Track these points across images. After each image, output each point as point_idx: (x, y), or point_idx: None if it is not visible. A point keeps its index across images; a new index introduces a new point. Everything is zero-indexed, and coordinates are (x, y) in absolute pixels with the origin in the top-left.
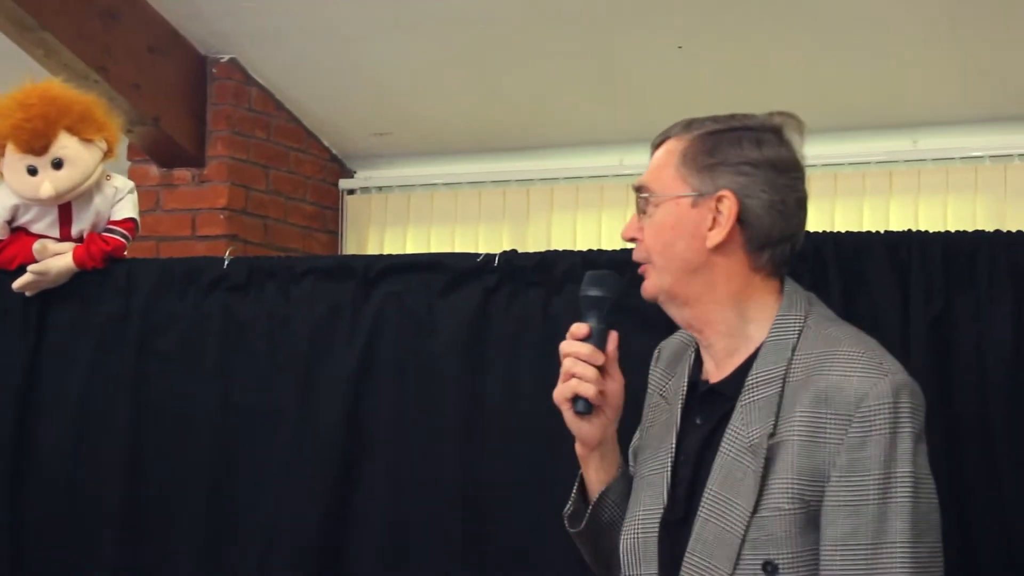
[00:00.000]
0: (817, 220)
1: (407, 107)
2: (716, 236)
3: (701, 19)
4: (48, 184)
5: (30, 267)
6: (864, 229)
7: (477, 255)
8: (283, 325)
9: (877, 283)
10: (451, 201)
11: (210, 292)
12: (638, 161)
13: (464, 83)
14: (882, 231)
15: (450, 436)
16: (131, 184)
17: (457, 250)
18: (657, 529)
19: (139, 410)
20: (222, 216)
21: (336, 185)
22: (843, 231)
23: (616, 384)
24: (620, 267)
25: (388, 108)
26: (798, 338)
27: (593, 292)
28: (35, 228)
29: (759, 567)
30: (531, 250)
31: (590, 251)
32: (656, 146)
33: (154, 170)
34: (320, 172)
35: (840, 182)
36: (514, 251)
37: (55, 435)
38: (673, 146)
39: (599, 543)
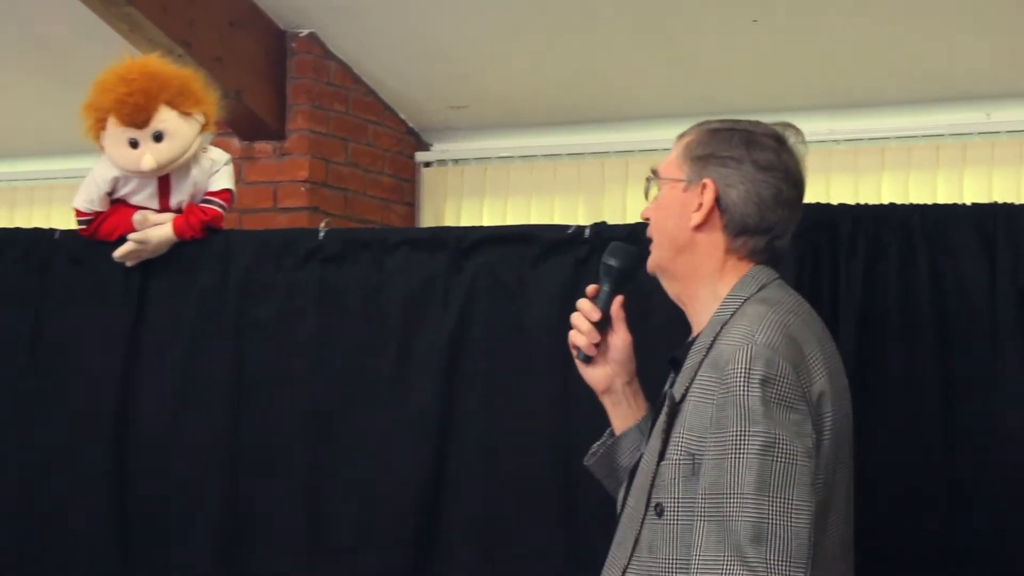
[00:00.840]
0: (892, 192)
1: (483, 80)
2: (697, 217)
3: None
4: (149, 156)
5: (130, 236)
6: (939, 202)
7: (568, 226)
8: (377, 295)
9: (963, 253)
10: (527, 173)
11: (306, 263)
12: None
13: (539, 56)
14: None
15: (542, 404)
16: (227, 156)
17: (533, 222)
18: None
19: (238, 378)
20: (303, 188)
21: (413, 158)
22: (929, 203)
23: (619, 339)
24: None
25: (464, 81)
26: (731, 315)
27: (608, 260)
28: (135, 200)
29: (653, 508)
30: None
31: None
32: (678, 140)
33: (236, 143)
34: (397, 145)
35: (914, 154)
36: (604, 223)
37: (157, 401)
38: (684, 139)
39: (617, 482)
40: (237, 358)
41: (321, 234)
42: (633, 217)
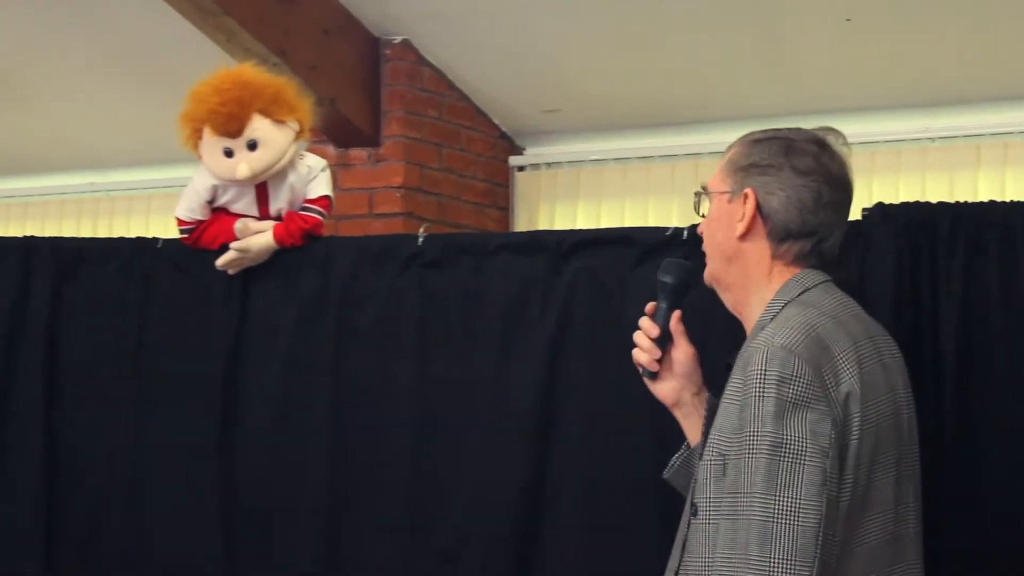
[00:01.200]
0: (988, 190)
1: (575, 84)
2: (741, 227)
3: None
4: (244, 165)
5: (232, 245)
6: None
7: (666, 228)
8: (477, 300)
9: None
10: (620, 176)
11: (406, 268)
12: None
13: (632, 59)
14: None
15: (643, 406)
16: (324, 163)
17: (626, 226)
18: None
19: (338, 384)
20: (398, 194)
21: (506, 162)
22: None
23: (681, 353)
24: None
25: (556, 85)
26: (771, 320)
27: (662, 277)
28: (234, 208)
29: (691, 508)
30: None
31: None
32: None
33: (331, 150)
34: (491, 150)
35: (1011, 151)
36: None
37: (260, 408)
38: (728, 152)
39: None
40: (338, 364)
41: (420, 240)
42: None
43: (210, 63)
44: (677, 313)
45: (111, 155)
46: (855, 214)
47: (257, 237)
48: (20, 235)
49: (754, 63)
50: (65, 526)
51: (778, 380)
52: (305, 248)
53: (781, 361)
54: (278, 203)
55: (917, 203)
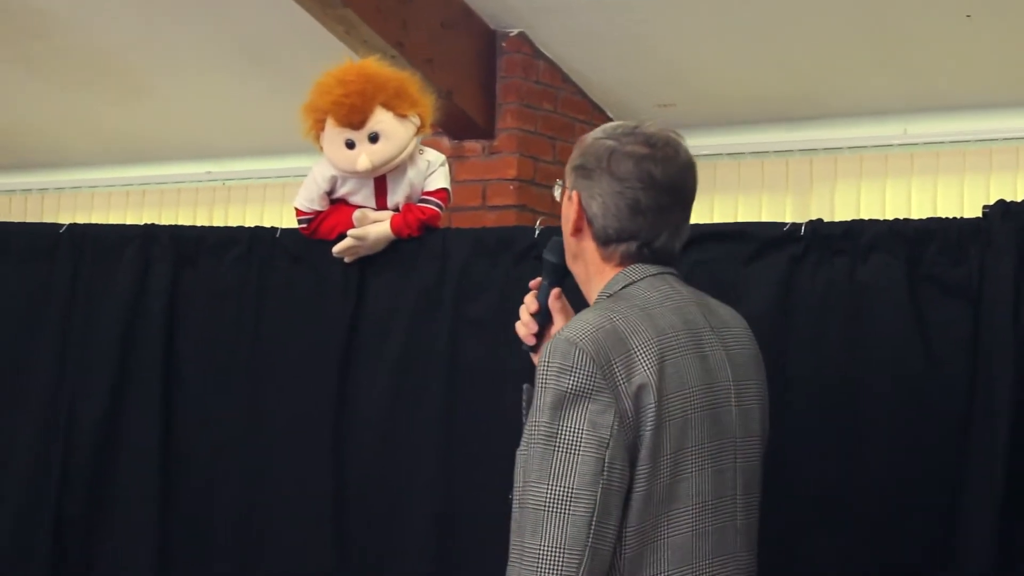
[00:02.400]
0: None
1: (690, 78)
2: (569, 226)
3: None
4: (365, 157)
5: (350, 232)
6: None
7: (783, 224)
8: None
9: None
10: (734, 172)
11: (521, 260)
12: (922, 130)
13: (747, 54)
14: None
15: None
16: (443, 157)
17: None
18: None
19: (453, 375)
20: (511, 187)
21: None
22: None
23: (556, 329)
24: (927, 237)
25: (671, 80)
26: None
27: (546, 256)
28: (353, 200)
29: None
30: None
31: (896, 220)
32: None
33: (446, 142)
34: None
35: None
36: (820, 220)
37: (374, 398)
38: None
39: None
40: (453, 355)
41: (537, 232)
42: (841, 216)
43: (328, 55)
44: (556, 291)
45: (228, 145)
46: (975, 210)
47: (375, 226)
48: (139, 223)
49: (872, 59)
50: (178, 514)
51: (558, 371)
52: (422, 239)
53: (563, 353)
54: (396, 197)
55: None
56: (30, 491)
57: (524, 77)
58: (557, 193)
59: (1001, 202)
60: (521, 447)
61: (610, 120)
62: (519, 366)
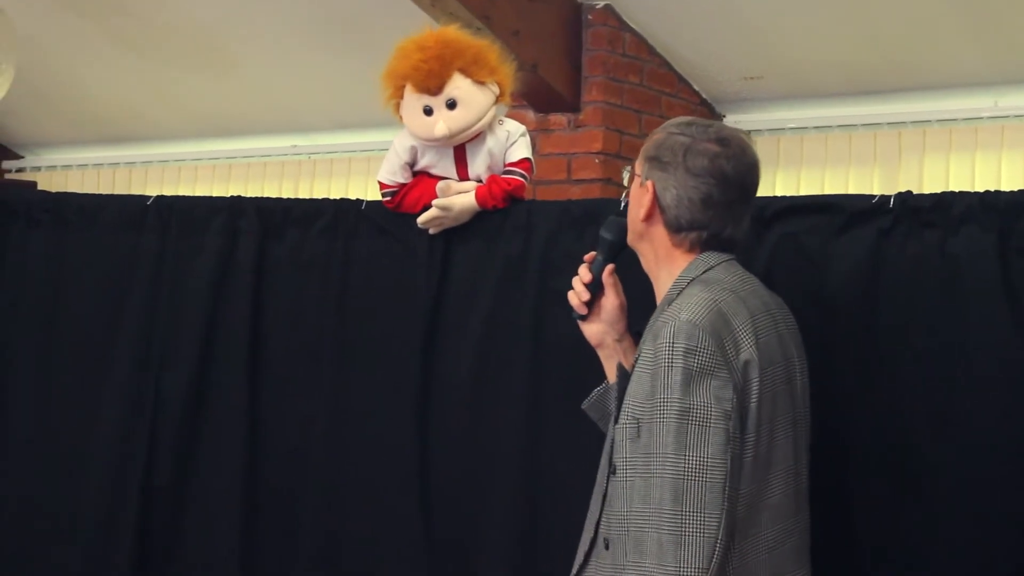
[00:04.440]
0: None
1: (777, 51)
2: (642, 212)
3: None
4: (442, 123)
5: (434, 203)
6: None
7: (872, 196)
8: (636, 268)
9: None
10: (821, 145)
11: None
12: (1013, 103)
13: (834, 25)
14: None
15: (846, 374)
16: (523, 128)
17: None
18: None
19: (538, 347)
20: (597, 160)
21: None
22: None
23: (608, 302)
24: (1018, 209)
25: (758, 52)
26: (677, 295)
27: (603, 233)
28: (434, 172)
29: (610, 467)
30: None
31: (987, 192)
32: None
33: (531, 115)
34: (690, 116)
35: None
36: (909, 192)
37: (459, 368)
38: (651, 137)
39: (607, 426)
40: (538, 327)
41: (623, 204)
42: (930, 189)
43: (414, 28)
44: (611, 267)
45: (313, 118)
46: None
47: (460, 197)
48: (226, 195)
49: (960, 30)
50: (264, 486)
51: (684, 351)
52: (507, 211)
53: (687, 334)
54: (477, 167)
55: None
56: (117, 463)
57: (610, 50)
58: (626, 178)
59: None
60: (626, 422)
61: (697, 93)
62: None
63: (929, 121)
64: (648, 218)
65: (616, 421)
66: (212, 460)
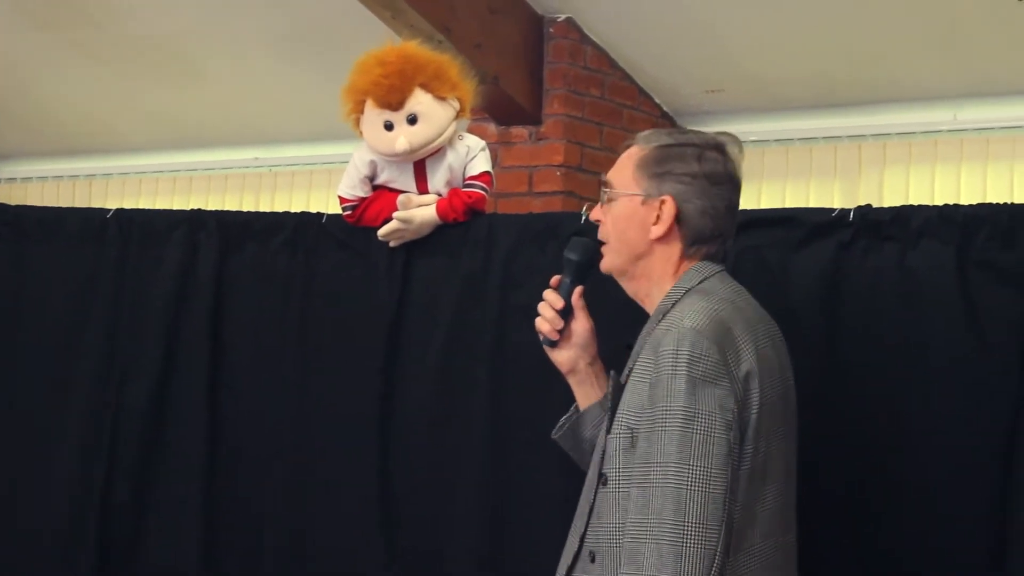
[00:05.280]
0: None
1: (738, 64)
2: (658, 230)
3: None
4: (403, 139)
5: (395, 215)
6: None
7: (832, 209)
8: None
9: None
10: (782, 157)
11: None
12: (972, 116)
13: (795, 39)
14: None
15: (805, 386)
16: (483, 143)
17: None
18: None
19: (499, 360)
20: (558, 173)
21: None
22: None
23: (579, 325)
24: (977, 223)
25: (719, 65)
26: (673, 305)
27: (569, 255)
28: (394, 186)
29: (600, 478)
30: None
31: (946, 205)
32: (624, 149)
33: (492, 128)
34: (652, 129)
35: None
36: (869, 205)
37: (421, 381)
38: (634, 152)
39: (582, 453)
40: (499, 341)
41: (583, 218)
42: (890, 202)
43: (375, 41)
44: (579, 289)
45: (275, 130)
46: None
47: (420, 210)
48: (186, 208)
49: (922, 44)
50: (225, 498)
51: (688, 359)
52: (468, 225)
53: (691, 342)
54: (436, 183)
55: None
56: (79, 477)
57: (571, 63)
58: (605, 198)
59: None
60: (620, 432)
61: (658, 106)
62: None
63: (889, 134)
64: (665, 235)
65: (608, 432)
66: (173, 473)
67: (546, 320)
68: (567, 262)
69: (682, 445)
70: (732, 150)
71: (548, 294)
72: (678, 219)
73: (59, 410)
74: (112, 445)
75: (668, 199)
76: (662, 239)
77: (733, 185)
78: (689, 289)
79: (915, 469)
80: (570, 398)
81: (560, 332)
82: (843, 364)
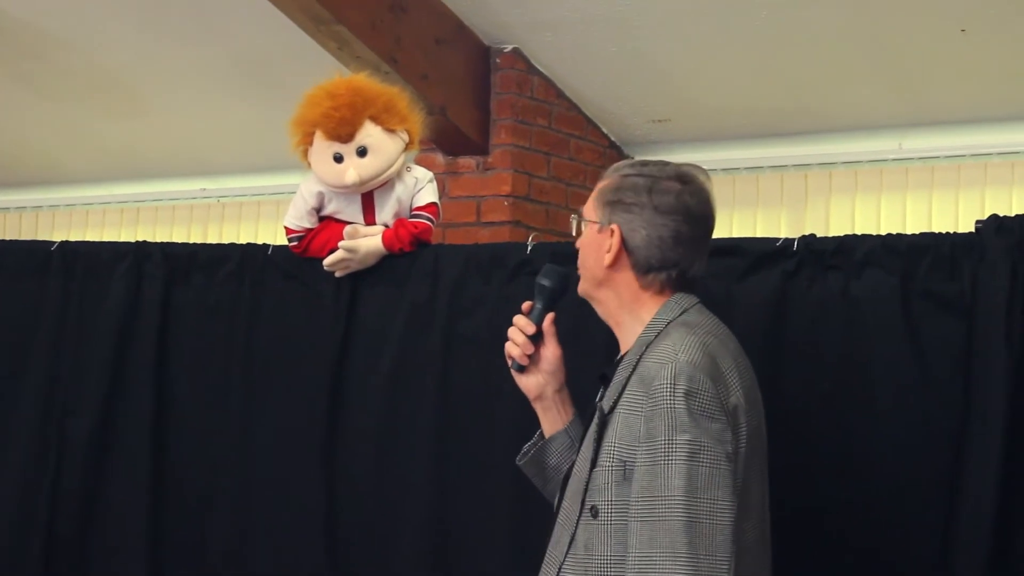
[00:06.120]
0: None
1: (685, 94)
2: (607, 258)
3: (986, 2)
4: (353, 171)
5: (341, 244)
6: None
7: (776, 239)
8: (586, 308)
9: None
10: (728, 187)
11: (514, 277)
12: (918, 145)
13: (743, 68)
14: None
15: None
16: (430, 174)
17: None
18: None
19: (445, 391)
20: (506, 203)
21: None
22: None
23: (549, 352)
24: (920, 252)
25: (666, 95)
26: (655, 336)
27: (541, 281)
28: (340, 218)
29: (589, 510)
30: None
31: (889, 235)
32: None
33: (440, 158)
34: (599, 159)
35: None
36: (813, 235)
37: (367, 412)
38: (601, 182)
39: (546, 480)
40: (445, 371)
41: (529, 248)
42: (836, 230)
43: (322, 72)
44: (550, 315)
45: (223, 161)
46: (969, 225)
47: (366, 240)
48: (133, 240)
49: (866, 74)
50: (170, 531)
51: (686, 393)
52: (414, 255)
53: (688, 376)
54: (384, 215)
55: None
56: (22, 509)
57: (518, 93)
58: (574, 226)
59: (994, 217)
60: (611, 465)
61: (605, 136)
62: (512, 383)
63: (835, 163)
64: (615, 263)
65: (594, 464)
66: (117, 507)
67: (516, 344)
68: (539, 288)
69: (689, 478)
70: (696, 183)
71: (519, 319)
72: (626, 247)
73: (3, 444)
74: (56, 480)
75: (615, 227)
76: (613, 266)
77: (685, 217)
78: (671, 321)
79: (860, 497)
80: (514, 427)
81: (530, 357)
82: (787, 394)
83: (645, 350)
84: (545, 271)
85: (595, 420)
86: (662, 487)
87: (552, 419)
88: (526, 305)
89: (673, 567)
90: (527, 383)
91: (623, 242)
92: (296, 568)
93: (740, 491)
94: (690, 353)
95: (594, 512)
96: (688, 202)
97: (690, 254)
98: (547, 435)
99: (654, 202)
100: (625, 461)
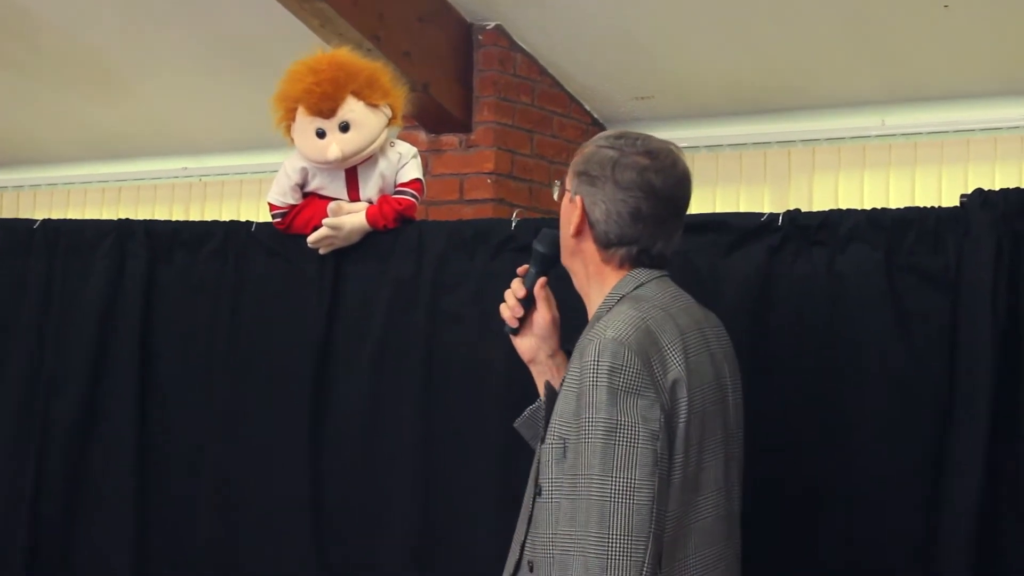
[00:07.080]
0: None
1: (669, 70)
2: (571, 228)
3: None
4: (335, 146)
5: (325, 221)
6: None
7: (761, 214)
8: (568, 283)
9: None
10: (712, 164)
11: (498, 253)
12: (900, 121)
13: (726, 45)
14: None
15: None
16: (414, 150)
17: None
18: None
19: (430, 368)
20: (489, 180)
21: None
22: None
23: (540, 316)
24: (904, 227)
25: (650, 72)
26: (607, 312)
27: (536, 246)
28: (324, 194)
29: (536, 488)
30: None
31: (874, 209)
32: None
33: (422, 136)
34: (582, 136)
35: None
36: (798, 210)
37: (352, 387)
38: (579, 151)
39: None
40: (430, 348)
41: (513, 224)
42: (819, 207)
43: (304, 49)
44: (543, 280)
45: (205, 140)
46: (952, 201)
47: (350, 216)
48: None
49: (849, 50)
50: (156, 509)
51: (609, 369)
52: (398, 232)
53: (612, 352)
54: (368, 190)
55: (1018, 189)
56: (6, 489)
57: (501, 70)
58: (556, 193)
59: (979, 191)
60: (553, 442)
61: (588, 113)
62: (497, 357)
63: (818, 140)
64: (578, 234)
65: (543, 441)
66: (102, 486)
67: (508, 307)
68: (534, 253)
69: (605, 457)
70: (664, 160)
71: (514, 282)
72: (589, 221)
73: None
74: (41, 458)
75: (578, 198)
76: (577, 237)
77: (646, 193)
78: (624, 296)
79: (844, 471)
80: (501, 400)
81: (521, 321)
82: (772, 369)
83: (595, 325)
84: (541, 236)
85: (545, 396)
86: (583, 465)
87: (546, 383)
88: (522, 268)
89: (586, 545)
90: (521, 346)
91: (585, 215)
92: (281, 546)
93: (684, 467)
94: (618, 329)
95: (539, 490)
96: (651, 179)
97: (652, 231)
98: (542, 396)
99: (616, 177)
100: (565, 438)
